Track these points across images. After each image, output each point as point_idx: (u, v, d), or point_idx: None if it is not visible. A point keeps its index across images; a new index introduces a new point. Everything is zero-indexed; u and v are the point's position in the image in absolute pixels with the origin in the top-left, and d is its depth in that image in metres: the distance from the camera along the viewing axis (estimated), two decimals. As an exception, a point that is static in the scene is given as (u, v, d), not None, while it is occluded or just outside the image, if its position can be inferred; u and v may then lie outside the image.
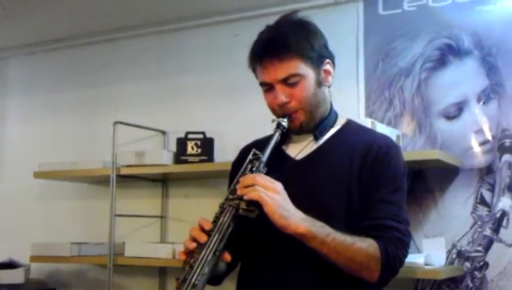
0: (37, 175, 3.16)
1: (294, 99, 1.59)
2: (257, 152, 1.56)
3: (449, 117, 2.54)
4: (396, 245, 1.51)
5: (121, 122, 2.95)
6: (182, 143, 2.89)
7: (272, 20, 1.66)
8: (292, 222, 1.45)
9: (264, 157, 1.54)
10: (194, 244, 1.47)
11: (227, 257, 1.50)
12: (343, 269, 1.50)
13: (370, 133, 1.75)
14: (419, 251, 2.39)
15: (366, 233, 1.51)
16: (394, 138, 2.38)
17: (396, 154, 1.63)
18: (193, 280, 1.43)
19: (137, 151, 2.91)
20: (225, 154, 2.90)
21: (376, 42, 2.72)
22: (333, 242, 1.46)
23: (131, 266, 2.97)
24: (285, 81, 1.58)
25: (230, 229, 1.47)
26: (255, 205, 1.45)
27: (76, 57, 3.52)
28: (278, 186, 1.48)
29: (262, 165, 1.53)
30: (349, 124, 1.72)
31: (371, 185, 1.56)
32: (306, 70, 1.59)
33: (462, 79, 2.53)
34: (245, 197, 1.45)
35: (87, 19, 3.19)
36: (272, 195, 1.45)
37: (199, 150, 2.86)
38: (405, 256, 1.55)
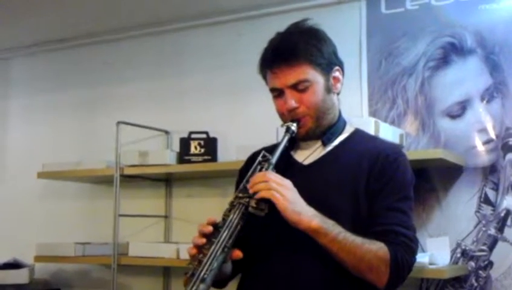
0: (41, 175, 3.17)
1: (303, 105, 1.61)
2: (266, 154, 1.58)
3: (452, 116, 2.54)
4: (405, 251, 1.52)
5: (124, 122, 2.95)
6: (185, 143, 2.90)
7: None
8: (304, 218, 1.47)
9: (274, 159, 1.56)
10: (203, 240, 1.48)
11: (238, 253, 1.51)
12: (351, 270, 1.51)
13: (378, 141, 1.77)
14: (423, 251, 2.39)
15: (375, 238, 1.52)
16: (397, 137, 2.39)
17: (404, 163, 1.64)
18: (202, 274, 1.43)
19: (140, 151, 2.91)
20: (228, 154, 2.91)
21: (379, 41, 2.72)
22: (344, 240, 1.48)
23: (135, 265, 2.97)
24: (295, 87, 1.60)
25: (239, 226, 1.48)
26: (265, 204, 1.47)
27: (78, 57, 3.52)
28: (289, 183, 1.50)
29: (271, 167, 1.55)
30: (357, 133, 1.73)
31: (379, 192, 1.57)
32: (315, 77, 1.61)
33: (465, 78, 2.53)
34: (256, 196, 1.46)
35: (90, 19, 3.20)
36: (283, 192, 1.47)
37: (202, 150, 2.87)
38: (413, 263, 1.56)
